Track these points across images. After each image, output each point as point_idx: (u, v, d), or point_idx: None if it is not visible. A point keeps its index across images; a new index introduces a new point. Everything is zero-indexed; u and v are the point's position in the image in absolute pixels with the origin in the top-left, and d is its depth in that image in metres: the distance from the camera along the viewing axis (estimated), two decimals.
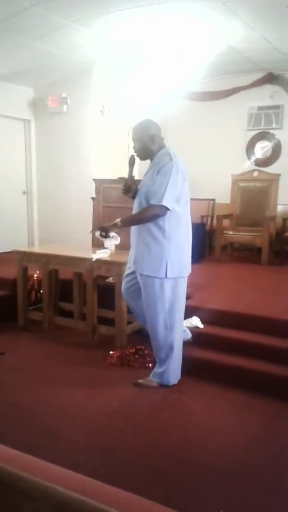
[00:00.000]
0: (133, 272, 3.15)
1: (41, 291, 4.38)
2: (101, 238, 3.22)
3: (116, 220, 3.07)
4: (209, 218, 6.40)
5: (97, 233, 3.21)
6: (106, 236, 3.17)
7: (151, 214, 2.91)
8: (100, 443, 2.55)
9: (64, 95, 6.28)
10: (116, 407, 2.96)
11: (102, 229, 3.17)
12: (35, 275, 4.58)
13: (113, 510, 0.96)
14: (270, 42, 5.15)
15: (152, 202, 2.89)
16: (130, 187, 3.12)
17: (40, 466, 1.26)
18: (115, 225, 3.08)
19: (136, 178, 3.20)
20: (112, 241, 3.25)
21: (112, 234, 3.18)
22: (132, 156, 3.14)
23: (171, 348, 3.08)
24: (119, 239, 3.25)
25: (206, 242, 6.18)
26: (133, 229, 3.12)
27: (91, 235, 5.04)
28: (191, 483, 2.23)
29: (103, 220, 4.84)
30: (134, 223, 3.07)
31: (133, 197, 3.13)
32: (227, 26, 4.70)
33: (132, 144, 3.13)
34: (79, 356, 3.77)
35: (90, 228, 5.04)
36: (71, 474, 1.23)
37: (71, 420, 2.79)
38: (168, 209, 2.88)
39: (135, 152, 3.10)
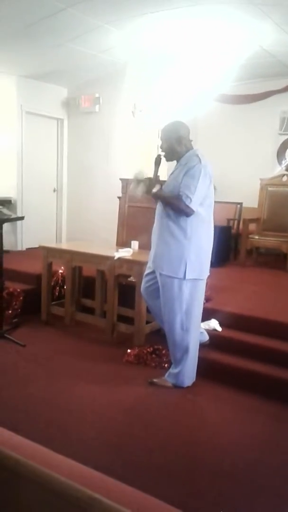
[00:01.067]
0: (152, 272, 3.18)
1: (65, 287, 4.47)
2: (134, 182, 3.22)
3: (156, 187, 3.08)
4: (236, 222, 6.36)
5: (135, 174, 3.20)
6: (139, 182, 3.17)
7: (178, 205, 2.92)
8: (111, 439, 2.59)
9: (97, 95, 6.37)
10: (130, 404, 2.99)
11: (143, 179, 3.15)
12: (60, 271, 4.67)
13: (108, 501, 0.97)
14: None
15: (183, 199, 2.91)
16: (154, 187, 3.15)
17: (43, 454, 1.29)
18: (151, 190, 3.09)
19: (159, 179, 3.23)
20: (138, 189, 3.21)
21: (140, 186, 3.16)
22: (159, 155, 3.17)
23: (186, 349, 3.10)
24: (142, 192, 3.19)
25: (231, 246, 6.14)
26: (155, 228, 3.16)
27: (116, 233, 5.10)
28: (198, 483, 2.24)
29: (128, 220, 4.89)
30: (163, 201, 3.06)
31: None
32: (259, 28, 4.67)
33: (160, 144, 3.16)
34: (97, 352, 3.83)
35: (116, 227, 5.09)
36: (73, 463, 1.25)
37: (83, 414, 2.84)
38: (193, 210, 2.91)
39: (162, 152, 3.13)
